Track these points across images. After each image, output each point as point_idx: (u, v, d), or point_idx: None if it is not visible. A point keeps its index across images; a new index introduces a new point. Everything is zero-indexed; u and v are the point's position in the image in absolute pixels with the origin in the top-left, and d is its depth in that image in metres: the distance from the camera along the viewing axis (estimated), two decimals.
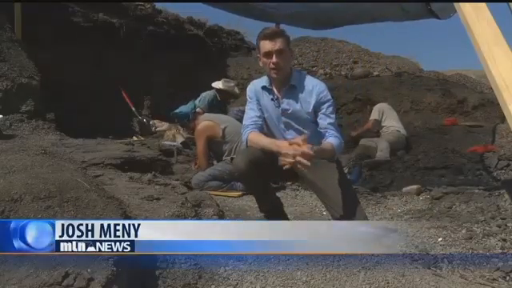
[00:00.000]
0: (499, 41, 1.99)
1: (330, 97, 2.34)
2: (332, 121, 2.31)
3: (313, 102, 2.33)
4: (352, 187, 2.61)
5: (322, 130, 2.33)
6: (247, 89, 2.49)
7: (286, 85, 2.36)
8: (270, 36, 2.27)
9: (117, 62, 6.86)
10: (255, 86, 2.46)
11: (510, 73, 1.88)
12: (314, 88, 2.34)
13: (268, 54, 2.27)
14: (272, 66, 2.27)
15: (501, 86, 1.87)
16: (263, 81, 2.43)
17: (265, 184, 2.46)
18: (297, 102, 2.36)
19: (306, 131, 2.34)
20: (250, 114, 2.41)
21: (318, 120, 2.34)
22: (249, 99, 2.46)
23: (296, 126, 2.38)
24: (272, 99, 2.40)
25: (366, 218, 2.36)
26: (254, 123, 2.37)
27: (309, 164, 1.98)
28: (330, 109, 2.33)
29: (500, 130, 5.44)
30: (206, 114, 4.20)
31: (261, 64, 2.38)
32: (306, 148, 1.99)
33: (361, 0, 6.29)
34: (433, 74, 9.23)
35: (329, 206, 2.37)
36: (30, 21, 5.46)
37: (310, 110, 2.34)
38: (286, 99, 2.37)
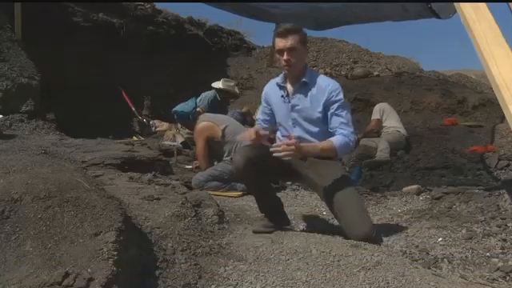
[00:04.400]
0: (499, 41, 1.99)
1: (341, 96, 2.36)
2: (343, 120, 2.34)
3: (323, 99, 2.36)
4: (354, 187, 2.61)
5: (331, 130, 2.37)
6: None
7: (299, 81, 2.42)
8: (283, 34, 2.35)
9: (117, 62, 6.85)
10: (267, 86, 2.60)
11: (510, 73, 1.88)
12: (326, 87, 2.38)
13: (280, 52, 2.37)
14: (283, 62, 2.36)
15: (501, 85, 1.87)
16: (278, 78, 2.54)
17: (265, 183, 2.47)
18: (307, 99, 2.40)
19: (313, 129, 2.39)
20: (259, 116, 2.64)
21: (329, 119, 2.37)
22: (262, 101, 2.65)
23: (304, 124, 2.42)
24: (282, 96, 2.48)
25: (368, 218, 2.36)
26: (261, 122, 2.61)
27: (290, 153, 2.16)
28: (341, 108, 2.35)
29: (500, 130, 5.44)
30: (205, 114, 4.20)
31: (275, 60, 2.48)
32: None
33: (361, 0, 6.30)
34: (433, 74, 9.23)
35: (332, 206, 2.39)
36: (30, 21, 5.46)
37: (321, 109, 2.37)
38: (296, 94, 2.43)
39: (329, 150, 2.31)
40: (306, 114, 2.40)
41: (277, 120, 2.55)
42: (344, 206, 2.30)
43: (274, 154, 2.18)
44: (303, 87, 2.41)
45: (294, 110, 2.43)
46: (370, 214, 2.57)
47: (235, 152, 2.44)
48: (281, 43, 2.34)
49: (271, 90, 2.55)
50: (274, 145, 2.25)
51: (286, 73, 2.42)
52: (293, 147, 2.16)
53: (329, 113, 2.36)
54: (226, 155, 3.82)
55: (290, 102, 2.44)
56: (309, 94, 2.40)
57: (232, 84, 5.91)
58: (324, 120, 2.39)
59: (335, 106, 2.35)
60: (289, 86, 2.46)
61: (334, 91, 2.36)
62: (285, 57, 2.33)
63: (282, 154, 2.17)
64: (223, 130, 3.81)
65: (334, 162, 2.46)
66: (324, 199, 2.46)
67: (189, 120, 4.19)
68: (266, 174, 2.38)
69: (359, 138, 5.49)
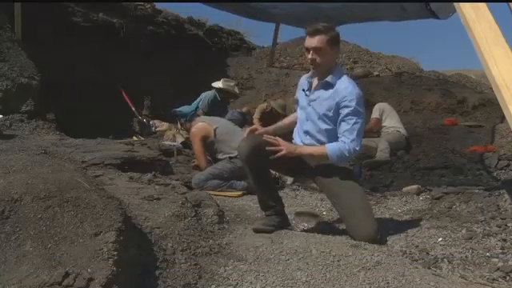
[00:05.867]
0: (499, 41, 1.99)
1: (353, 103, 2.33)
2: (348, 127, 2.34)
3: (336, 101, 2.38)
4: (361, 187, 2.62)
5: (338, 135, 2.39)
6: None
7: (323, 80, 2.46)
8: (311, 33, 2.40)
9: (117, 62, 6.85)
10: (301, 78, 2.68)
11: (510, 73, 1.88)
12: (343, 90, 2.38)
13: (307, 50, 2.43)
14: (309, 61, 2.43)
15: (501, 85, 1.87)
16: (309, 73, 2.60)
17: (267, 175, 2.51)
18: (325, 98, 2.43)
19: (323, 126, 2.43)
20: (295, 105, 2.77)
21: (337, 124, 2.40)
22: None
23: (315, 120, 2.46)
24: (303, 90, 2.56)
25: (374, 220, 2.37)
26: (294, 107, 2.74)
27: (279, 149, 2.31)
28: (350, 115, 2.34)
29: (500, 130, 5.44)
30: (200, 117, 4.31)
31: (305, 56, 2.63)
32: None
33: (361, 0, 6.30)
34: (433, 73, 9.23)
35: (337, 205, 2.42)
36: (30, 21, 5.46)
37: (333, 109, 2.39)
38: (316, 91, 2.48)
39: (319, 155, 2.39)
40: (320, 111, 2.43)
41: (297, 111, 2.64)
42: (350, 207, 2.32)
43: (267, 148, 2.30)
44: (324, 86, 2.45)
45: (311, 105, 2.49)
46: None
47: (241, 140, 2.49)
48: (308, 42, 2.40)
49: (302, 81, 2.63)
50: (266, 136, 2.36)
51: (313, 70, 2.49)
52: (281, 147, 2.30)
53: (339, 117, 2.38)
54: (221, 155, 3.87)
55: (309, 96, 2.51)
56: (327, 93, 2.43)
57: (232, 84, 5.93)
58: (335, 121, 2.41)
59: (345, 111, 2.35)
60: (314, 81, 2.52)
61: (348, 96, 2.35)
62: (310, 56, 2.39)
63: (273, 148, 2.30)
64: (215, 130, 3.88)
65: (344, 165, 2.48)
66: (330, 199, 2.50)
67: (185, 121, 4.26)
68: (268, 164, 2.43)
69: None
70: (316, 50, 2.36)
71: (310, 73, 2.58)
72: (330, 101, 2.39)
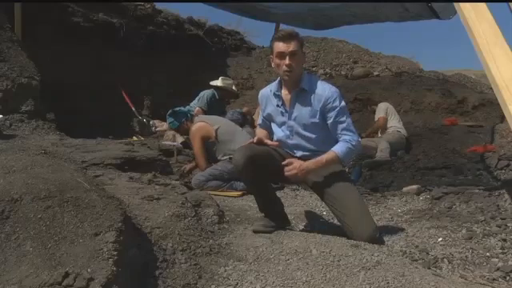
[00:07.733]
0: (499, 41, 1.99)
1: (338, 102, 2.34)
2: (344, 125, 2.34)
3: (320, 106, 2.35)
4: (356, 188, 2.62)
5: (336, 137, 2.38)
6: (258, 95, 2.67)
7: (297, 88, 2.40)
8: (285, 38, 2.32)
9: (117, 62, 6.85)
10: (262, 92, 2.60)
11: (510, 73, 1.88)
12: (323, 93, 2.36)
13: (281, 56, 2.33)
14: (285, 67, 2.33)
15: (501, 86, 1.87)
16: (272, 87, 2.51)
17: (264, 183, 2.47)
18: (305, 106, 2.39)
19: (311, 136, 2.39)
20: (259, 122, 2.73)
21: (330, 127, 2.37)
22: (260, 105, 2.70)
23: (301, 131, 2.41)
24: (277, 105, 2.46)
25: (372, 219, 2.36)
26: (261, 123, 2.68)
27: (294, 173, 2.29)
28: (340, 114, 2.34)
29: (500, 130, 5.44)
30: (199, 116, 4.28)
31: (273, 65, 2.44)
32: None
33: (362, 0, 6.31)
34: (433, 74, 9.22)
35: (334, 207, 2.39)
36: (30, 21, 5.46)
37: (318, 115, 2.36)
38: (294, 103, 2.41)
39: (333, 160, 2.33)
40: (305, 121, 2.39)
41: (273, 128, 2.55)
42: (347, 208, 2.30)
43: (286, 174, 2.27)
44: (301, 94, 2.40)
45: (292, 119, 2.43)
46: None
47: (235, 150, 2.44)
48: (283, 47, 2.31)
49: (267, 97, 2.55)
50: (287, 161, 2.32)
51: (286, 78, 2.38)
52: (296, 171, 2.27)
53: (329, 122, 2.36)
54: (221, 155, 3.85)
55: (287, 111, 2.44)
56: (306, 101, 2.39)
57: (230, 82, 5.97)
58: (322, 126, 2.39)
59: (334, 113, 2.34)
60: (285, 94, 2.45)
61: (331, 97, 2.34)
62: (287, 61, 2.31)
63: (290, 173, 2.27)
64: (216, 131, 3.85)
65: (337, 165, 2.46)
66: (326, 201, 2.46)
67: (186, 120, 4.20)
68: (265, 174, 2.37)
69: (364, 137, 5.43)
70: (292, 54, 2.31)
71: (273, 86, 2.51)
72: (312, 108, 2.37)
